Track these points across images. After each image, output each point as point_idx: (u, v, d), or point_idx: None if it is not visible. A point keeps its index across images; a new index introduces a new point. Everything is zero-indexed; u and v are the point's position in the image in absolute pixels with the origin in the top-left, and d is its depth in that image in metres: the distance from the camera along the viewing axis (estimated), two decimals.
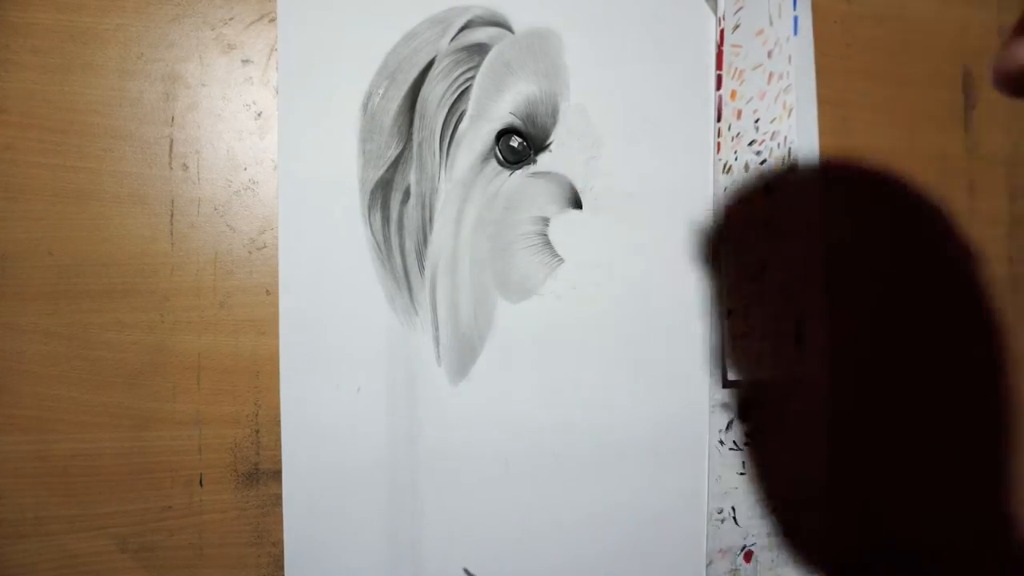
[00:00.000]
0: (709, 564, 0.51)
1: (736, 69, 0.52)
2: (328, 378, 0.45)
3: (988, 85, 0.59)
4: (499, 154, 0.48)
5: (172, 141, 0.43)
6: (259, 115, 0.45)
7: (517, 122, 0.48)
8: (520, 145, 0.48)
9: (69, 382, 0.42)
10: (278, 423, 0.44)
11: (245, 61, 0.45)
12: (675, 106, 0.51)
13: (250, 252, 0.44)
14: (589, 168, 0.49)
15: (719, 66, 0.52)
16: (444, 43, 0.47)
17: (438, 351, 0.46)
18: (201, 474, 0.43)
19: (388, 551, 0.45)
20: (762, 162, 0.51)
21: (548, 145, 0.49)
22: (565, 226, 0.49)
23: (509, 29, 0.48)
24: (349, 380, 0.45)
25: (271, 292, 0.44)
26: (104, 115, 0.42)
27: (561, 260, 0.49)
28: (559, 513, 0.48)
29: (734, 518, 0.51)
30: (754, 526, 0.52)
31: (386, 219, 0.46)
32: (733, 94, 0.52)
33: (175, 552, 0.43)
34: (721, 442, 0.51)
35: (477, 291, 0.47)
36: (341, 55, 0.45)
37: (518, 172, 0.48)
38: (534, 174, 0.48)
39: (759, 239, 0.51)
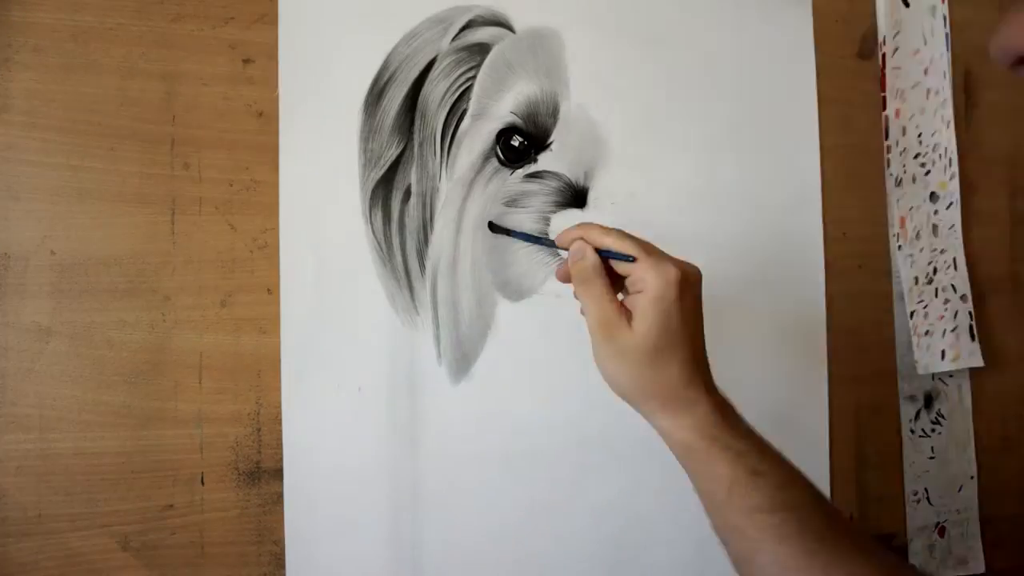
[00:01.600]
0: (910, 541, 0.55)
1: (898, 89, 0.56)
2: (329, 377, 0.45)
3: (989, 85, 0.59)
4: (500, 153, 0.48)
5: (173, 140, 0.43)
6: (260, 114, 0.45)
7: (518, 121, 0.48)
8: (521, 144, 0.48)
9: (71, 381, 0.42)
10: (279, 422, 0.44)
11: (246, 61, 0.45)
12: (677, 106, 0.51)
13: (251, 251, 0.44)
14: (590, 167, 0.49)
15: (883, 88, 0.56)
16: (445, 43, 0.47)
17: (439, 350, 0.46)
18: (203, 473, 0.43)
19: (389, 548, 0.45)
20: (927, 173, 0.56)
21: (549, 144, 0.49)
22: (566, 224, 0.48)
23: (510, 29, 0.48)
24: (350, 379, 0.45)
25: (272, 291, 0.44)
26: (106, 114, 0.43)
27: (561, 259, 0.48)
28: (560, 512, 0.48)
29: (927, 499, 0.56)
30: (945, 504, 0.57)
31: (387, 218, 0.46)
32: (897, 112, 0.56)
33: (177, 550, 0.43)
34: (912, 431, 0.56)
35: (478, 290, 0.47)
36: (342, 55, 0.45)
37: (519, 171, 0.48)
38: (535, 173, 0.48)
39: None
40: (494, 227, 0.46)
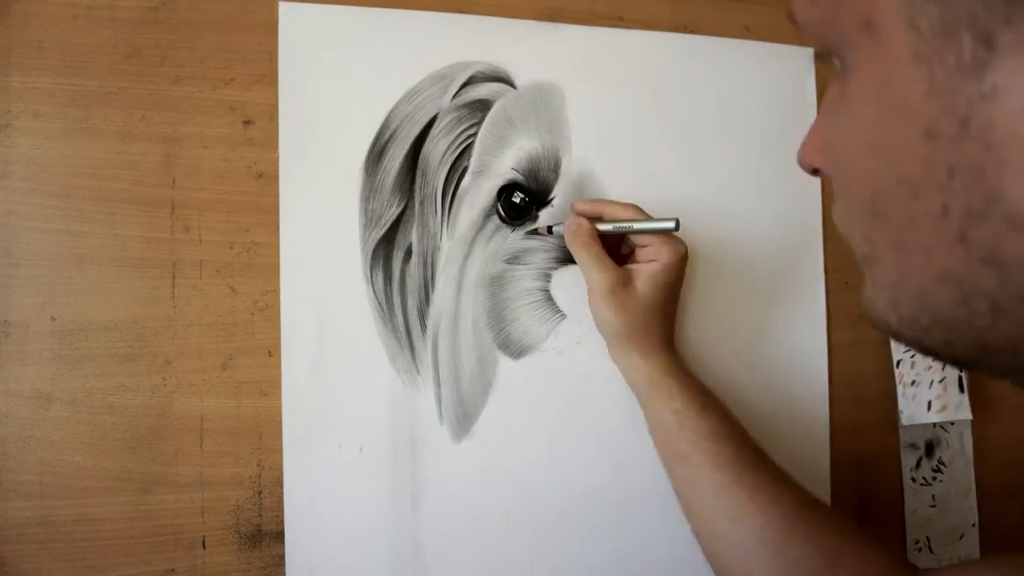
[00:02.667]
0: None
1: None
2: (330, 438, 0.45)
3: None
4: (501, 210, 0.47)
5: (174, 203, 0.43)
6: (260, 176, 0.45)
7: (519, 178, 0.48)
8: (522, 201, 0.48)
9: (72, 447, 0.42)
10: (281, 484, 0.44)
11: (246, 122, 0.44)
12: (678, 159, 0.51)
13: (252, 313, 0.44)
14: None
15: None
16: (446, 100, 0.47)
17: (440, 409, 0.46)
18: (204, 536, 0.43)
19: None
20: None
21: (550, 200, 0.49)
22: (567, 281, 0.49)
23: (511, 84, 0.48)
24: (351, 440, 0.45)
25: (273, 353, 0.44)
26: (105, 179, 0.42)
27: (563, 315, 0.48)
28: (563, 570, 0.48)
29: (929, 547, 0.56)
30: (946, 552, 0.56)
31: (388, 278, 0.46)
32: None
33: None
34: (913, 479, 0.56)
35: (479, 348, 0.47)
36: (342, 115, 0.45)
37: (520, 228, 0.48)
38: (536, 229, 0.48)
39: None
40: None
